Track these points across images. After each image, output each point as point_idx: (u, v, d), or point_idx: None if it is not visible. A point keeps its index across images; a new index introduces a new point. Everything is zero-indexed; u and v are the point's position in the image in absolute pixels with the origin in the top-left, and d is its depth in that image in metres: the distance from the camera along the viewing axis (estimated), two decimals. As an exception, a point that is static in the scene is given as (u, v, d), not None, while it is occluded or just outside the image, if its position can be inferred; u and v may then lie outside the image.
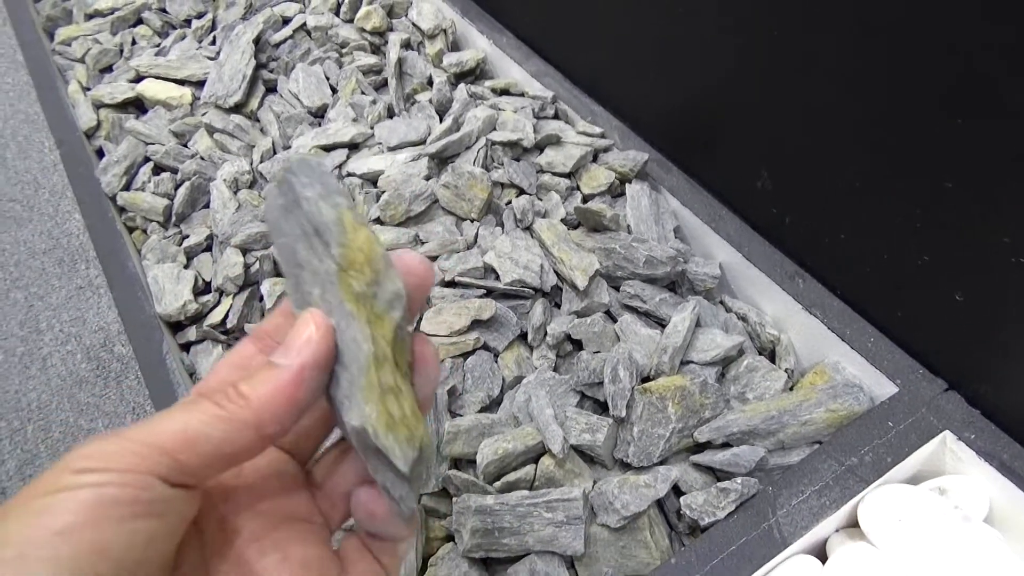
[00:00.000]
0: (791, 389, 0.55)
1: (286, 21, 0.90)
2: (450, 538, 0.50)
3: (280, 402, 0.25)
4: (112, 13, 0.95)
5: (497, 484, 0.50)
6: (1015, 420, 0.48)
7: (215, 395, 0.25)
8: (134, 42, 0.91)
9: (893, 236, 0.50)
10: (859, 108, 0.48)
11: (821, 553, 0.49)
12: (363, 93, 0.80)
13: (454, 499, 0.49)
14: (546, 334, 0.57)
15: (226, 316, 0.62)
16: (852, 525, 0.49)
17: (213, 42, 0.89)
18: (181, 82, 0.83)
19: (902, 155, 0.47)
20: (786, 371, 0.55)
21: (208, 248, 0.69)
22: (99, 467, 0.22)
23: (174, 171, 0.75)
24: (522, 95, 0.77)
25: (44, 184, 1.19)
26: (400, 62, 0.82)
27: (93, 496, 0.22)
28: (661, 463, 0.50)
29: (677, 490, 0.50)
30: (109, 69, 0.89)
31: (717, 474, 0.50)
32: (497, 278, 0.60)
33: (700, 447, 0.51)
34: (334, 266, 0.26)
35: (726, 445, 0.50)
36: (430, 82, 0.82)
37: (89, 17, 0.97)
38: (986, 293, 0.46)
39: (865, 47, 0.45)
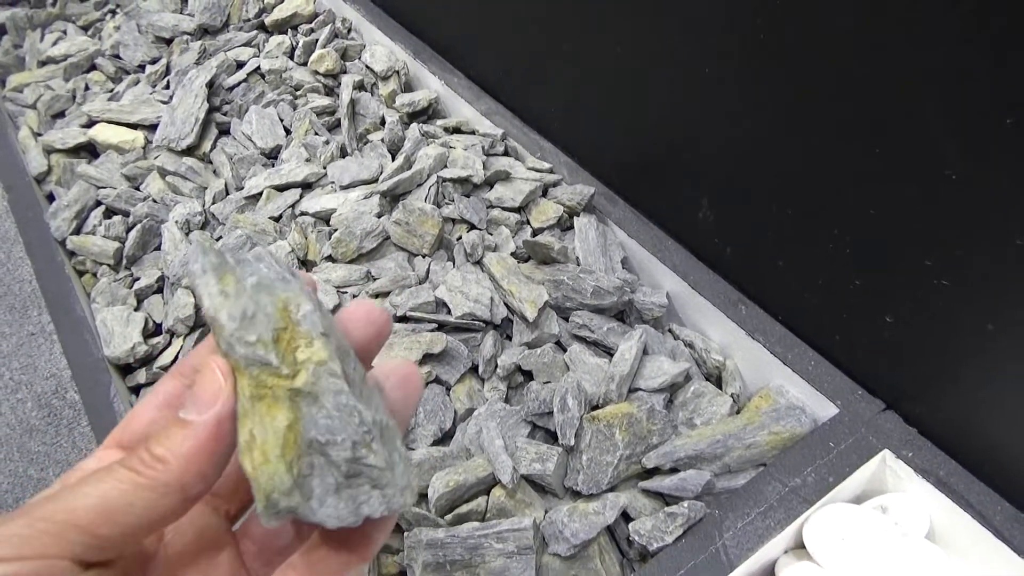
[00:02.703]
0: (738, 413, 0.56)
1: (240, 65, 0.92)
2: (403, 574, 0.50)
3: (203, 459, 0.24)
4: (65, 60, 0.95)
5: (449, 517, 0.50)
6: (949, 437, 0.49)
7: (130, 460, 0.24)
8: (87, 88, 0.92)
9: (826, 262, 0.52)
10: (789, 142, 0.50)
11: (771, 575, 0.50)
12: (316, 134, 0.81)
13: (406, 533, 0.49)
14: (497, 366, 0.58)
15: (176, 357, 0.62)
16: (800, 546, 0.50)
17: (167, 87, 0.90)
18: (134, 126, 0.83)
19: (829, 185, 0.49)
20: (732, 396, 0.56)
21: (159, 290, 0.68)
22: (8, 556, 0.21)
23: (126, 214, 0.75)
24: (473, 133, 0.79)
25: (-5, 230, 1.18)
26: (353, 103, 0.83)
27: None
28: (610, 490, 0.51)
29: (627, 516, 0.50)
30: (61, 115, 0.89)
31: (666, 499, 0.51)
32: (448, 312, 0.60)
33: (649, 473, 0.52)
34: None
35: (674, 470, 0.51)
36: (383, 122, 0.83)
37: (42, 64, 0.97)
38: (914, 314, 0.48)
39: (794, 88, 0.48)
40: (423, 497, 0.51)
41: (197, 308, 0.63)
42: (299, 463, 0.25)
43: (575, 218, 0.67)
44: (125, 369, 0.63)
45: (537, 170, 0.72)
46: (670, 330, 0.63)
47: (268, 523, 0.25)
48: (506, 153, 0.77)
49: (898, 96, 0.42)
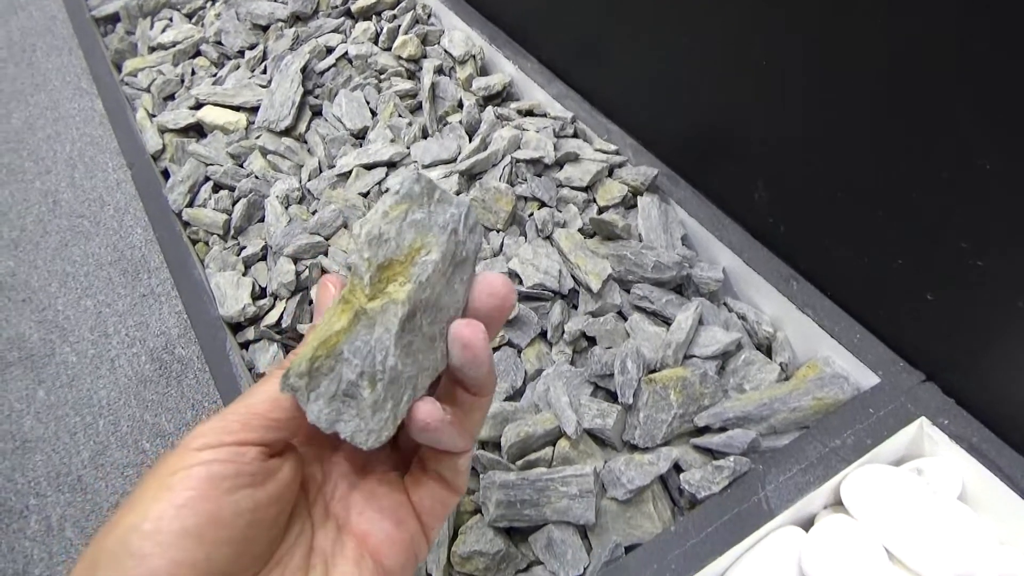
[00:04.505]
0: (786, 380, 0.61)
1: (330, 50, 0.99)
2: (478, 510, 0.57)
3: None
4: (174, 46, 1.04)
5: (519, 463, 0.56)
6: (983, 407, 0.53)
7: (284, 364, 0.31)
8: (193, 72, 1.00)
9: (871, 242, 0.56)
10: (839, 132, 0.54)
11: (810, 528, 0.55)
12: (400, 116, 0.88)
13: (481, 476, 0.56)
14: (564, 332, 0.64)
15: (280, 317, 0.70)
16: (838, 503, 0.55)
17: (264, 71, 0.98)
18: (236, 108, 0.92)
19: (875, 171, 0.53)
20: (781, 364, 0.61)
21: (263, 258, 0.77)
22: (211, 443, 0.27)
23: (231, 189, 0.83)
24: (544, 116, 0.85)
25: (109, 201, 1.30)
26: (433, 87, 0.89)
27: (204, 472, 0.27)
28: (664, 444, 0.56)
29: (678, 468, 0.56)
30: (172, 97, 0.98)
31: (714, 454, 0.56)
32: (520, 282, 0.66)
33: (699, 431, 0.57)
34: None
35: (723, 429, 0.56)
36: (460, 105, 0.89)
37: (152, 50, 1.07)
38: (952, 292, 0.51)
39: (844, 83, 0.52)
40: (496, 445, 0.58)
41: (298, 274, 0.71)
42: (323, 362, 0.29)
43: (639, 197, 0.72)
44: (236, 327, 0.72)
45: (604, 152, 0.77)
46: (725, 303, 0.68)
47: (280, 391, 0.29)
48: (575, 135, 0.82)
49: (935, 93, 0.45)
